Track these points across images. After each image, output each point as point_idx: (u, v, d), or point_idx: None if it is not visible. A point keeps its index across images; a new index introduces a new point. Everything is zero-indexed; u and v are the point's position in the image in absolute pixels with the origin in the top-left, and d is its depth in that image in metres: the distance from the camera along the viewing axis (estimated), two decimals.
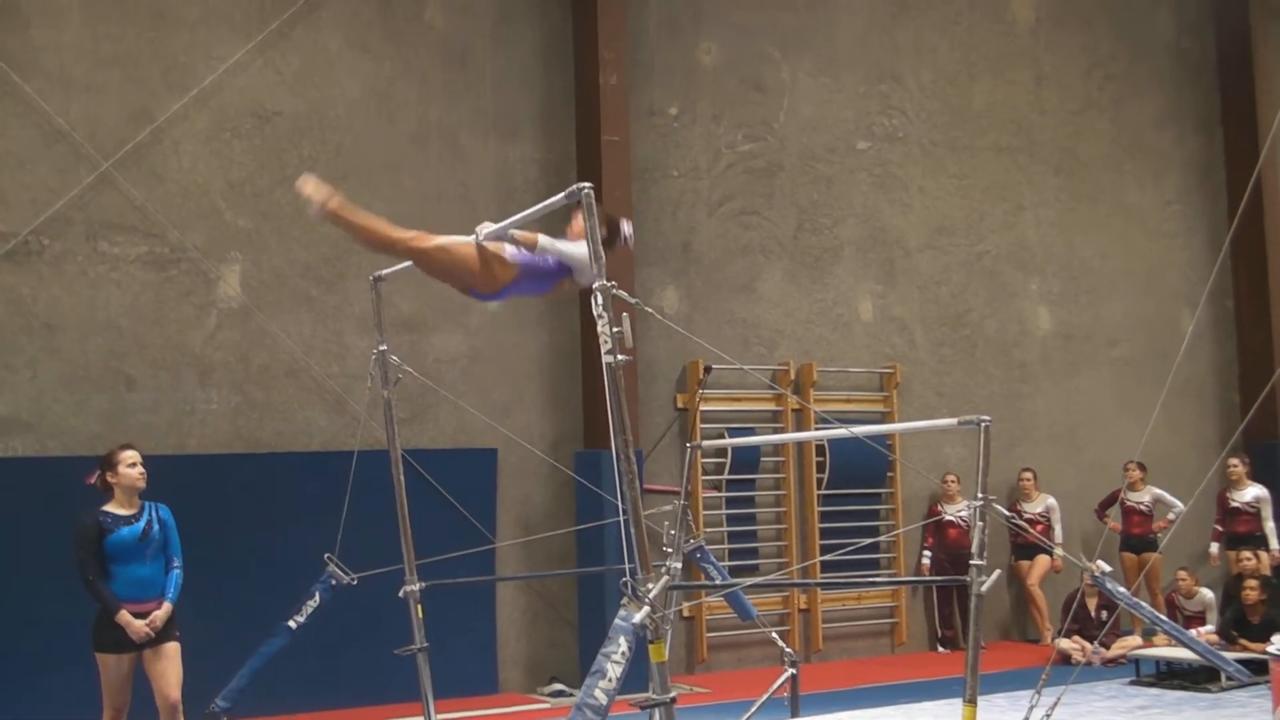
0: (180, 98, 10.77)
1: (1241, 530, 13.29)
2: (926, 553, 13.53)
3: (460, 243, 6.44)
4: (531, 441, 11.41)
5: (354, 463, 8.41)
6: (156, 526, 7.78)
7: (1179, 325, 15.44)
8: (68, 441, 10.19)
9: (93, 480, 7.79)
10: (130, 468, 7.75)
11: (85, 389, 10.37)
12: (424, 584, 8.09)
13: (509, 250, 6.38)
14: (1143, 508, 13.62)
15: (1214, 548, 13.64)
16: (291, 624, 8.37)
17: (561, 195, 5.68)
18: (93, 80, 10.55)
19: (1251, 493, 13.40)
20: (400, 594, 8.06)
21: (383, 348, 8.13)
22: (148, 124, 10.65)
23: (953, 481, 13.57)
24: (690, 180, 12.90)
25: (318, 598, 8.38)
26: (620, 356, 5.35)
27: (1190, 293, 15.63)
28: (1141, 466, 13.39)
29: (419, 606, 8.07)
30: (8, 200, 10.22)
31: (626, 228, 6.50)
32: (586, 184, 5.57)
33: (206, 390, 10.80)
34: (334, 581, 8.38)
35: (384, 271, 8.09)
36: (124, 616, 7.51)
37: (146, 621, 7.59)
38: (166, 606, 7.71)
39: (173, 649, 7.73)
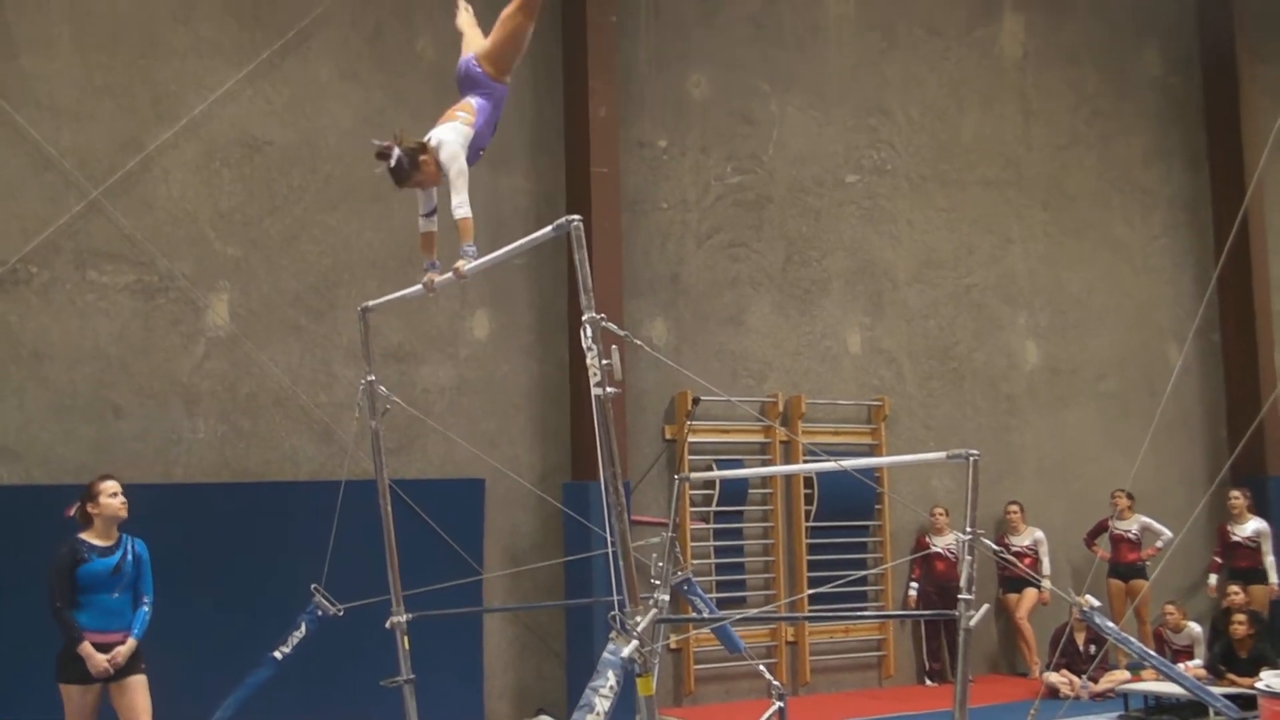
0: (170, 127, 10.78)
1: (1243, 565, 13.32)
2: (914, 584, 13.50)
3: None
4: (519, 472, 11.39)
5: (341, 493, 8.40)
6: (130, 560, 7.75)
7: (1166, 360, 15.48)
8: (54, 470, 10.15)
9: (72, 513, 7.76)
10: (112, 498, 7.72)
11: (72, 418, 10.34)
12: (411, 615, 8.07)
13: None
14: (1130, 536, 13.63)
15: (1212, 579, 13.63)
16: (277, 655, 8.35)
17: (550, 228, 5.71)
18: (83, 109, 10.56)
19: (1252, 527, 13.43)
20: (387, 625, 8.04)
21: (371, 378, 8.14)
22: (137, 153, 10.66)
23: (941, 514, 13.56)
24: (679, 212, 12.93)
25: (304, 628, 8.36)
26: (609, 388, 5.36)
27: (1177, 328, 15.68)
28: (1129, 495, 13.41)
29: (405, 638, 8.05)
30: None
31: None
32: (576, 216, 5.59)
33: (194, 419, 10.77)
34: (320, 612, 8.36)
35: (372, 302, 8.09)
36: (85, 648, 7.48)
37: (109, 656, 7.56)
38: (131, 642, 7.67)
39: (138, 682, 7.69)
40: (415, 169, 6.78)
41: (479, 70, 6.97)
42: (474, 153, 6.87)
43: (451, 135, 6.78)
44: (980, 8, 15.02)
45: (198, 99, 10.91)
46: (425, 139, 6.83)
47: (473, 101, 6.94)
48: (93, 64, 10.63)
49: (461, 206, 6.69)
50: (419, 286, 7.45)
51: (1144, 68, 16.16)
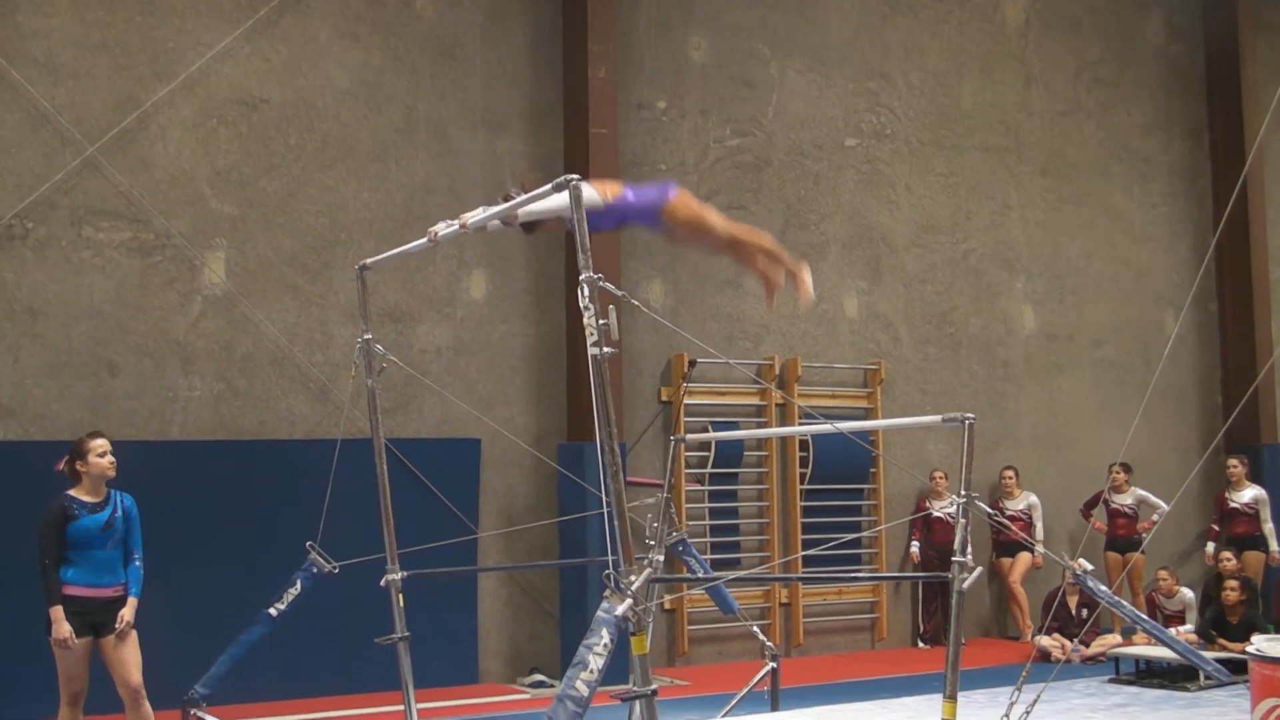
0: (167, 84, 10.74)
1: (1240, 531, 13.39)
2: (915, 543, 13.59)
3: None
4: (515, 433, 11.41)
5: (336, 451, 8.41)
6: (120, 516, 7.76)
7: (1163, 328, 15.51)
8: (49, 427, 10.16)
9: (61, 467, 7.77)
10: (100, 457, 7.72)
11: (68, 375, 10.34)
12: (405, 573, 8.08)
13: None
14: (1127, 509, 13.66)
15: (1210, 547, 13.68)
16: (272, 611, 8.38)
17: (549, 185, 5.69)
18: (80, 66, 10.51)
19: (1250, 494, 13.48)
20: (382, 583, 8.06)
21: (367, 337, 8.12)
22: (134, 110, 10.62)
23: (941, 478, 13.60)
24: (678, 174, 12.88)
25: (299, 586, 8.39)
26: (606, 349, 5.36)
27: (1174, 296, 15.70)
28: (1126, 469, 13.43)
29: (400, 596, 8.06)
30: None
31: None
32: (574, 175, 5.57)
33: (189, 377, 10.77)
34: (315, 570, 8.38)
35: (369, 260, 8.08)
36: (56, 613, 7.48)
37: (119, 622, 7.59)
38: (132, 602, 7.70)
39: (129, 636, 7.72)
40: (535, 225, 6.56)
41: (659, 218, 6.64)
42: (601, 218, 6.49)
43: (566, 194, 6.28)
44: None
45: (195, 56, 10.87)
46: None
47: (624, 188, 6.61)
48: (90, 21, 10.57)
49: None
50: (421, 241, 7.41)
51: (1146, 36, 16.11)
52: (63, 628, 7.48)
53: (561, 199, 5.80)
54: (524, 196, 6.10)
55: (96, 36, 10.58)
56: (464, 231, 6.69)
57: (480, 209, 6.65)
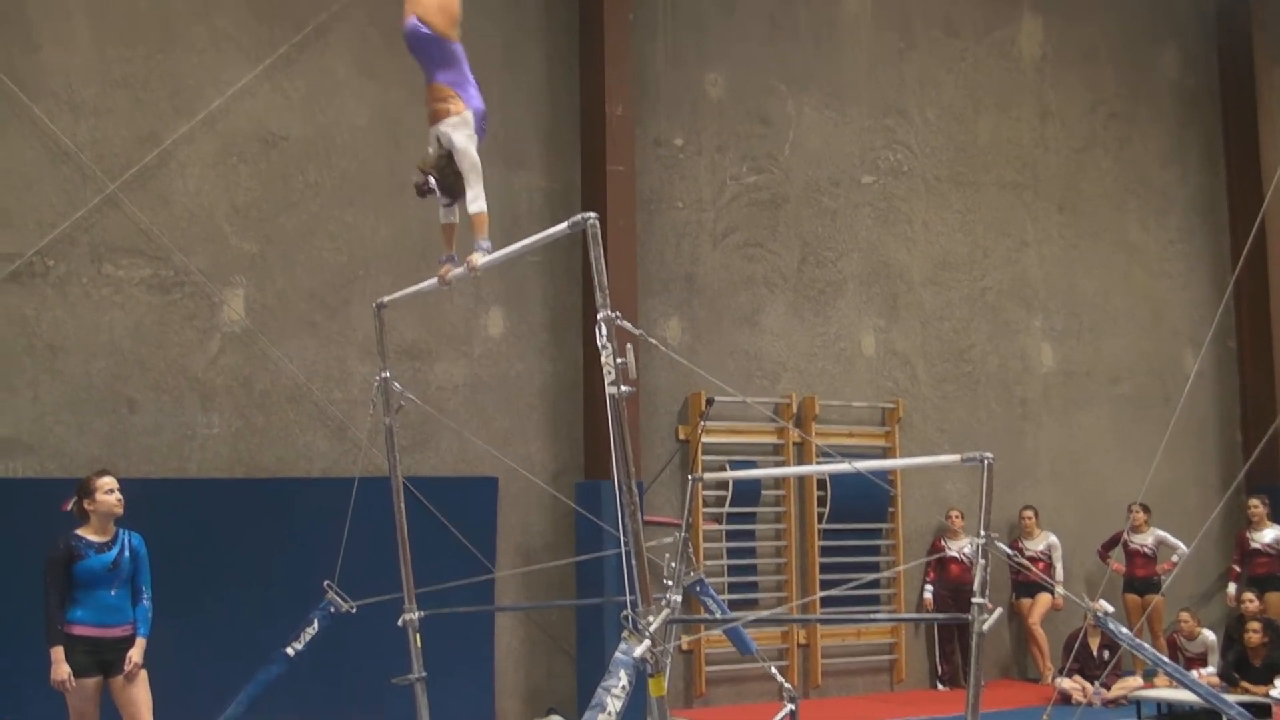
0: (188, 121, 10.79)
1: (1262, 572, 13.20)
2: (929, 586, 13.47)
3: None
4: (532, 471, 11.38)
5: (354, 489, 8.39)
6: (127, 555, 7.72)
7: (1182, 364, 15.43)
8: (68, 464, 10.15)
9: (69, 507, 7.75)
10: (108, 494, 7.69)
11: (87, 411, 10.35)
12: (423, 612, 8.06)
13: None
14: (1146, 550, 13.54)
15: (1231, 588, 13.51)
16: (289, 651, 8.34)
17: (566, 224, 5.69)
18: (101, 102, 10.57)
19: (1271, 534, 13.31)
20: (399, 622, 8.03)
21: (386, 374, 8.12)
22: (155, 147, 10.67)
23: (956, 517, 13.52)
24: (695, 211, 12.91)
25: (316, 625, 8.36)
26: (624, 387, 5.34)
27: (1193, 332, 15.62)
28: (1145, 509, 13.33)
29: (417, 635, 8.03)
30: (13, 221, 10.22)
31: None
32: (592, 214, 5.57)
33: (208, 414, 10.77)
34: (333, 609, 8.35)
35: (388, 298, 8.08)
36: (57, 654, 7.44)
37: (127, 663, 7.56)
38: (140, 642, 7.66)
39: (139, 676, 7.68)
40: (459, 178, 6.78)
41: (426, 30, 6.94)
42: (479, 129, 6.88)
43: (460, 135, 6.79)
44: (998, 8, 14.98)
45: (215, 93, 10.92)
46: (438, 146, 6.84)
47: (446, 85, 6.91)
48: (111, 58, 10.64)
49: (477, 200, 6.72)
50: (433, 280, 7.44)
51: (1162, 69, 16.11)
52: (61, 669, 7.42)
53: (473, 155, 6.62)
54: (540, 236, 6.12)
55: (117, 73, 10.64)
56: (474, 273, 6.75)
57: (479, 250, 6.75)
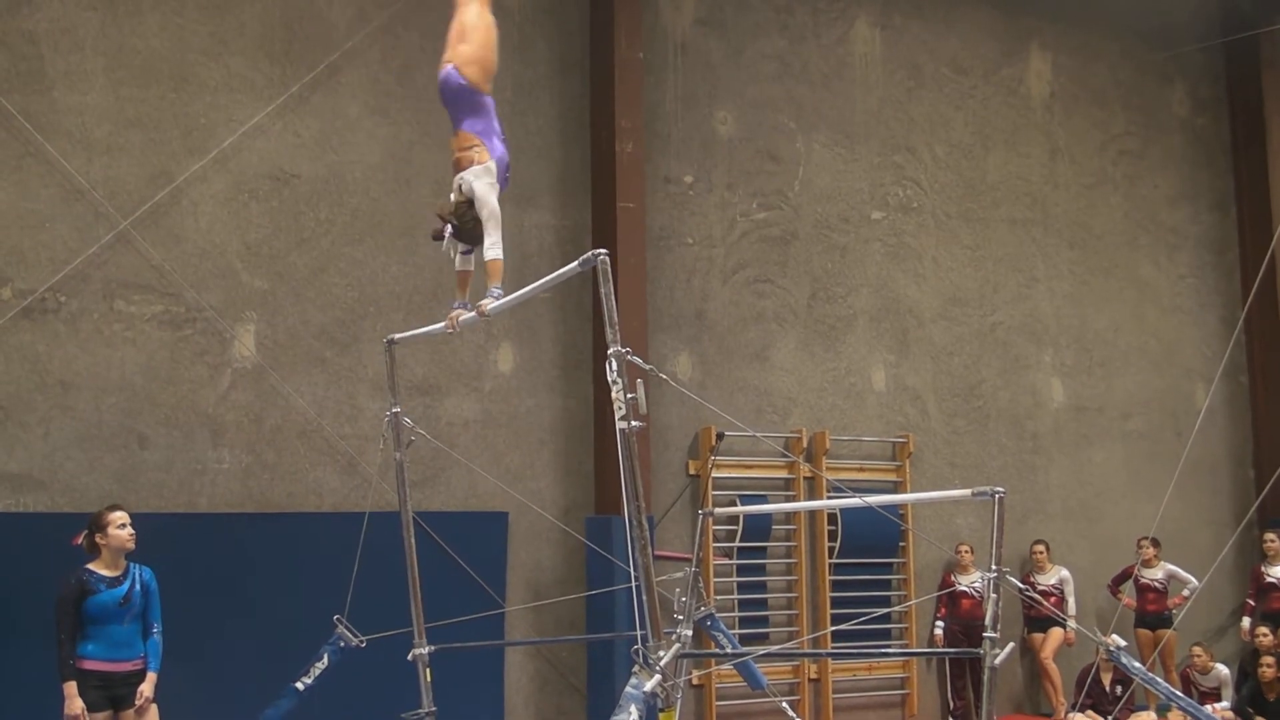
0: (200, 159, 10.86)
1: (1276, 607, 13.12)
2: (939, 623, 13.41)
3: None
4: (543, 506, 11.39)
5: (365, 524, 8.42)
6: (138, 590, 7.75)
7: (1193, 400, 15.41)
8: (79, 499, 10.17)
9: (79, 541, 7.77)
10: (120, 529, 7.72)
11: (98, 447, 10.38)
12: (433, 647, 8.06)
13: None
14: (1157, 584, 13.50)
15: (1245, 622, 13.45)
16: (299, 685, 8.36)
17: (577, 262, 5.73)
18: (114, 141, 10.65)
19: None
20: (409, 657, 8.04)
21: (396, 410, 8.15)
22: (167, 185, 10.73)
23: (966, 552, 13.48)
24: (705, 248, 12.95)
25: (326, 659, 8.37)
26: (634, 422, 5.36)
27: (1204, 368, 15.61)
28: (1155, 543, 13.29)
29: (427, 670, 8.03)
30: (26, 258, 10.28)
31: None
32: (602, 250, 5.61)
33: (219, 450, 10.80)
34: (343, 643, 8.36)
35: (398, 335, 8.12)
36: (70, 689, 7.47)
37: (138, 698, 7.56)
38: (151, 677, 7.68)
39: (151, 710, 7.68)
40: (478, 225, 6.87)
41: (461, 81, 7.04)
42: (502, 179, 6.97)
43: (481, 183, 6.85)
44: (1007, 47, 15.05)
45: (227, 132, 11.00)
46: (459, 193, 6.91)
47: (473, 133, 7.00)
48: (124, 97, 10.72)
49: (494, 248, 6.79)
50: (439, 325, 7.48)
51: (1171, 108, 16.17)
52: (75, 704, 7.45)
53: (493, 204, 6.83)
54: (552, 276, 6.16)
55: (130, 112, 10.72)
56: (484, 318, 6.81)
57: (491, 296, 6.83)
